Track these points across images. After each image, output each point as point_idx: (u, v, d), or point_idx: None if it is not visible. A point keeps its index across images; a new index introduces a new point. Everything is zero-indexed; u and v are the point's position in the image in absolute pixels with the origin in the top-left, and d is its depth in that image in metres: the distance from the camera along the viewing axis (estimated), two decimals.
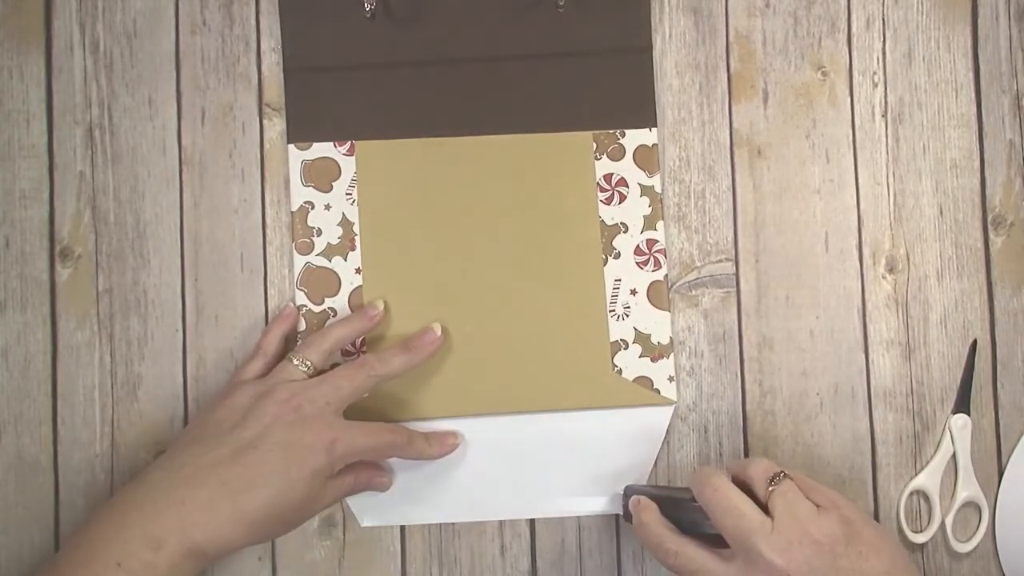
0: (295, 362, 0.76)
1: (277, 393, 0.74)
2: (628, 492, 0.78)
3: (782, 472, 0.71)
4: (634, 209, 0.82)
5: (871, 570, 0.67)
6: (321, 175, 0.82)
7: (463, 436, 0.81)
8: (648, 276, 0.82)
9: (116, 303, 0.82)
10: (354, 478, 0.78)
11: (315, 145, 0.82)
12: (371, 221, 0.82)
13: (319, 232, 0.82)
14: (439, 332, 0.80)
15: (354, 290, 0.81)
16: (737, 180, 0.84)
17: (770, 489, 0.70)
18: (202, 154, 0.83)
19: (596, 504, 0.81)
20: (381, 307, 0.80)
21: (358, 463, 0.77)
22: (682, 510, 0.73)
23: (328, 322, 0.81)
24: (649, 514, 0.73)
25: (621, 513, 0.80)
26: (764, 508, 0.69)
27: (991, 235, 0.83)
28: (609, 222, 0.82)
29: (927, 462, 0.82)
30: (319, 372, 0.77)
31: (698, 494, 0.71)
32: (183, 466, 0.71)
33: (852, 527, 0.68)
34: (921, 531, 0.82)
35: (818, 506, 0.69)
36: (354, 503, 0.81)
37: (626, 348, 0.81)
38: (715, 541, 0.70)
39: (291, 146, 0.82)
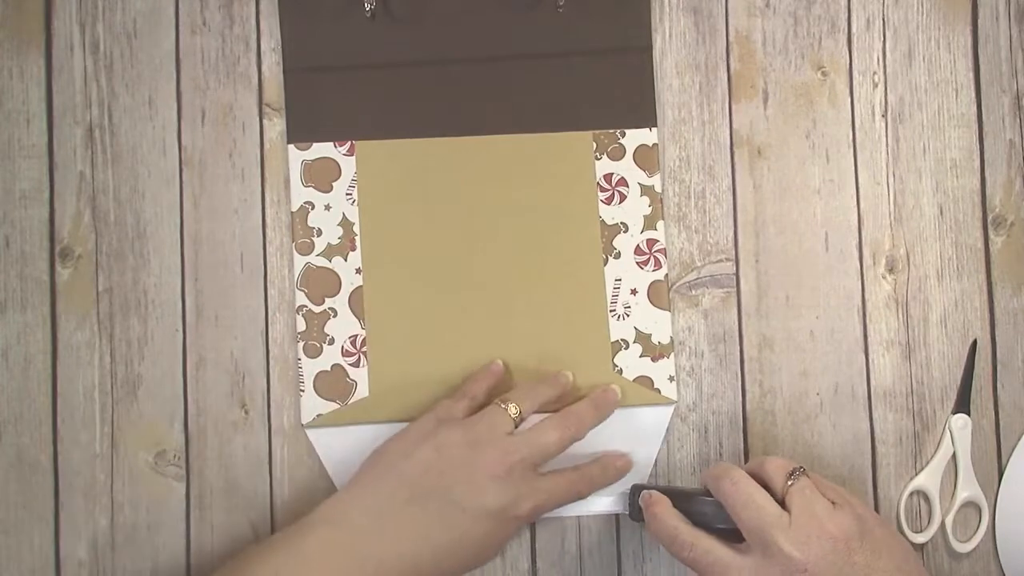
0: (511, 412, 0.76)
1: (488, 450, 0.74)
2: (635, 490, 0.78)
3: (801, 468, 0.71)
4: (634, 209, 0.82)
5: (884, 567, 0.67)
6: (321, 175, 0.82)
7: (629, 456, 0.81)
8: (648, 276, 0.82)
9: (116, 303, 0.82)
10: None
11: (315, 145, 0.82)
12: (371, 221, 0.82)
13: (319, 232, 0.82)
14: (618, 391, 0.81)
15: (354, 290, 0.81)
16: (737, 180, 0.84)
17: (789, 484, 0.70)
18: (202, 154, 0.83)
19: (597, 504, 0.81)
20: (570, 376, 0.81)
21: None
22: (695, 504, 0.73)
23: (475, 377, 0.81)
24: (662, 507, 0.73)
25: (627, 512, 0.80)
26: (780, 504, 0.70)
27: (991, 235, 0.83)
28: (609, 222, 0.82)
29: (927, 462, 0.82)
30: (523, 420, 0.77)
31: (715, 487, 0.72)
32: (383, 514, 0.73)
33: (865, 524, 0.69)
34: (921, 531, 0.82)
35: (833, 503, 0.69)
36: None
37: (626, 348, 0.81)
38: (728, 536, 0.71)
39: (291, 146, 0.82)
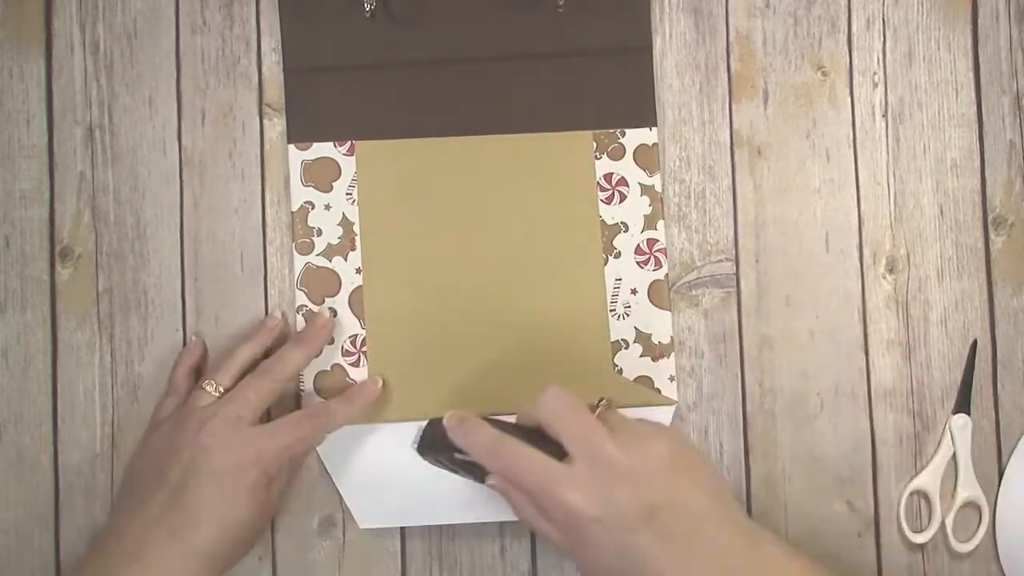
0: (205, 387, 0.76)
1: (188, 425, 0.74)
2: (433, 423, 0.75)
3: (607, 400, 0.72)
4: (634, 208, 0.82)
5: (703, 483, 0.68)
6: (321, 175, 0.82)
7: (382, 381, 0.81)
8: (649, 275, 0.82)
9: (116, 303, 0.82)
10: (287, 467, 0.78)
11: (315, 145, 0.82)
12: (371, 221, 0.82)
13: (319, 232, 0.82)
14: (328, 315, 0.81)
15: (354, 290, 0.81)
16: (737, 180, 0.84)
17: (598, 411, 0.70)
18: (202, 154, 0.83)
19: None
20: (279, 315, 0.82)
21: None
22: (511, 429, 0.72)
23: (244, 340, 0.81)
24: (477, 420, 0.72)
25: (415, 445, 0.76)
26: None
27: (991, 235, 0.83)
28: (609, 221, 0.82)
29: (927, 462, 0.82)
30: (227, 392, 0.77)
31: (539, 403, 0.70)
32: (131, 528, 0.71)
33: (683, 446, 0.70)
34: (921, 531, 0.82)
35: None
36: (354, 505, 0.81)
37: (627, 347, 0.81)
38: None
39: (291, 146, 0.82)
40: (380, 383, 0.80)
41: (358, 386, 0.80)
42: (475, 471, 0.72)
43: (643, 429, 0.69)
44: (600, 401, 0.71)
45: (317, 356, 0.80)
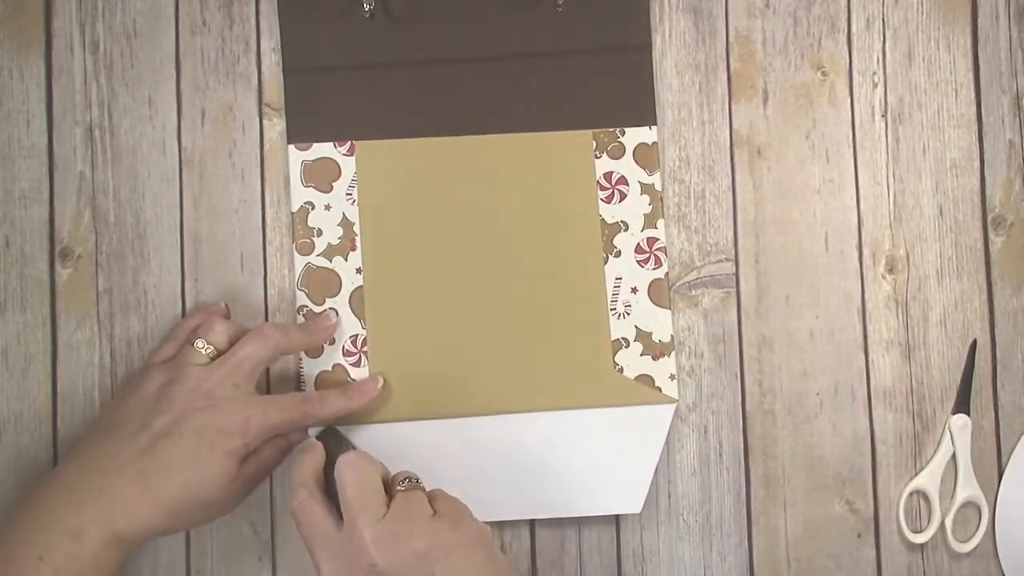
0: (198, 346, 0.76)
1: (185, 380, 0.74)
2: (327, 433, 0.79)
3: (416, 479, 0.72)
4: (634, 207, 0.82)
5: None
6: (321, 175, 0.82)
7: (383, 380, 0.81)
8: (649, 274, 0.82)
9: (116, 303, 0.82)
10: (272, 450, 0.78)
11: (315, 145, 0.82)
12: (371, 221, 0.82)
13: (319, 232, 0.82)
14: (333, 320, 0.81)
15: (355, 290, 0.81)
16: (737, 180, 0.84)
17: (399, 487, 0.71)
18: (202, 154, 0.83)
19: (597, 504, 0.81)
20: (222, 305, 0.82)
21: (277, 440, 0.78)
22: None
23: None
24: (312, 457, 0.74)
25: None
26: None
27: (991, 235, 0.84)
28: (609, 220, 0.82)
29: (927, 462, 0.82)
30: (220, 355, 0.77)
31: (340, 460, 0.72)
32: (99, 457, 0.72)
33: (460, 541, 0.69)
34: (921, 531, 0.82)
35: (435, 512, 0.70)
36: None
37: (627, 346, 0.81)
38: None
39: (291, 147, 0.82)
40: (380, 382, 0.80)
41: (358, 383, 0.80)
42: None
43: (421, 520, 0.69)
44: (408, 479, 0.72)
45: (312, 350, 0.81)
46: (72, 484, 0.71)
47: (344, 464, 0.71)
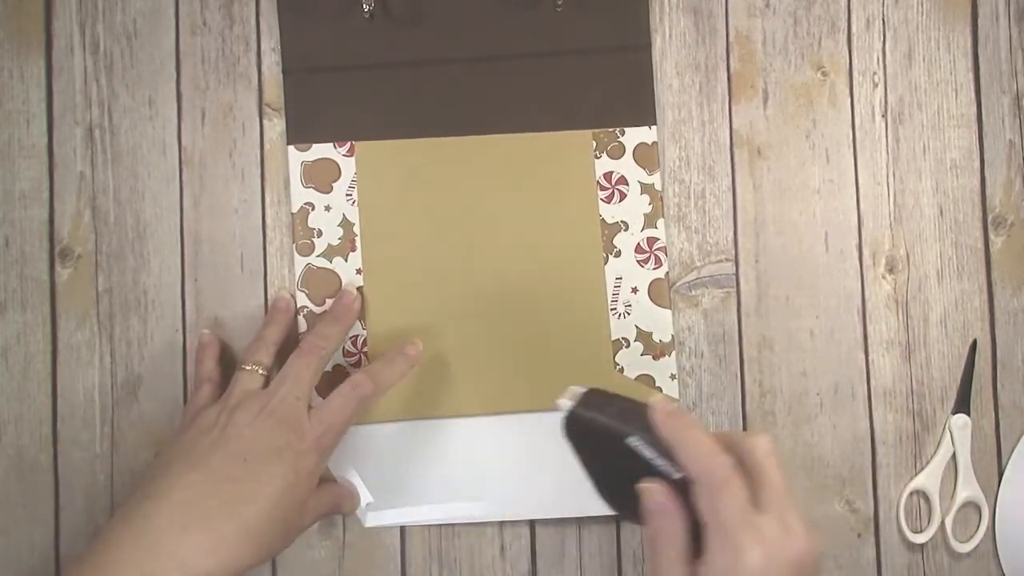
0: (248, 368, 0.75)
1: (248, 407, 0.72)
2: (590, 395, 0.66)
3: None
4: (634, 207, 0.82)
5: None
6: (321, 176, 0.82)
7: (421, 343, 0.80)
8: (649, 274, 0.82)
9: (116, 303, 0.82)
10: (331, 499, 0.77)
11: (315, 146, 0.82)
12: (371, 222, 0.82)
13: (319, 233, 0.82)
14: (352, 289, 0.80)
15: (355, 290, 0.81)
16: (737, 180, 0.84)
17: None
18: (202, 154, 0.83)
19: (597, 504, 0.81)
20: (285, 295, 0.81)
21: (330, 485, 0.78)
22: (631, 447, 0.63)
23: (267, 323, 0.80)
24: (689, 416, 0.65)
25: (563, 419, 0.67)
26: None
27: (991, 235, 0.84)
28: (609, 220, 0.82)
29: (927, 462, 0.82)
30: (270, 371, 0.76)
31: (681, 446, 0.62)
32: (172, 490, 0.68)
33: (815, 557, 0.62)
34: (921, 531, 0.82)
35: None
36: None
37: (628, 346, 0.81)
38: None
39: (291, 147, 0.82)
40: (420, 346, 0.80)
41: (397, 348, 0.79)
42: (617, 472, 0.64)
43: (799, 529, 0.61)
44: None
45: (348, 332, 0.80)
46: (150, 525, 0.67)
47: (701, 457, 0.61)
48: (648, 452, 0.62)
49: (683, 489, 0.62)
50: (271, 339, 0.78)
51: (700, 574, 0.60)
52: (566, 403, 0.66)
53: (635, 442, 0.63)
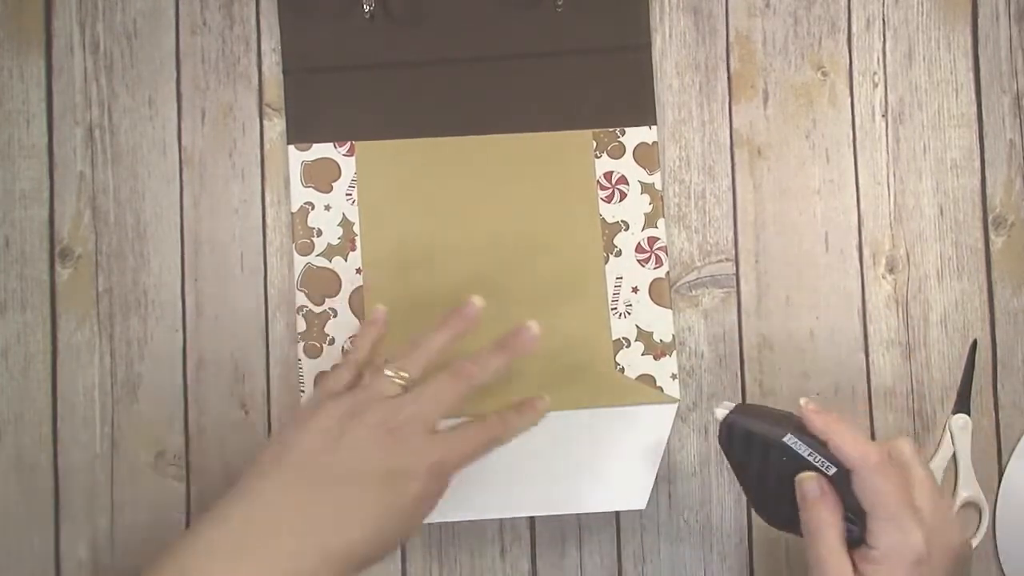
0: (389, 374, 0.70)
1: (369, 415, 0.67)
2: (740, 411, 0.70)
3: None
4: (635, 207, 0.82)
5: None
6: (321, 176, 0.82)
7: (547, 399, 0.76)
8: (649, 274, 0.82)
9: (116, 303, 0.82)
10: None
11: (315, 146, 0.82)
12: (371, 221, 0.82)
13: (319, 233, 0.82)
14: (536, 330, 0.73)
15: (355, 290, 0.81)
16: (737, 180, 0.84)
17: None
18: (202, 154, 0.83)
19: (601, 501, 0.81)
20: (478, 303, 0.74)
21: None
22: (794, 460, 0.67)
23: (363, 326, 0.77)
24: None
25: (721, 426, 0.70)
26: None
27: (991, 235, 0.84)
28: (610, 220, 0.82)
29: (927, 462, 0.82)
30: (411, 384, 0.71)
31: (868, 473, 0.64)
32: (266, 506, 0.65)
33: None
34: None
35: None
36: None
37: (628, 346, 0.81)
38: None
39: (291, 147, 0.82)
40: (547, 400, 0.76)
41: (528, 400, 0.75)
42: (772, 477, 0.68)
43: (953, 523, 0.66)
44: None
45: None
46: (234, 537, 0.63)
47: (890, 487, 0.64)
48: (804, 450, 0.66)
49: (836, 486, 0.66)
50: (432, 349, 0.72)
51: (867, 557, 0.64)
52: (722, 411, 0.70)
53: (791, 440, 0.66)
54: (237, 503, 0.65)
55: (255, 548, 0.63)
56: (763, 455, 0.68)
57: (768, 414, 0.69)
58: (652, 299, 0.82)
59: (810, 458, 0.66)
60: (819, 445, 0.66)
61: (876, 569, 0.64)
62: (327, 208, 0.82)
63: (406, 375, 0.70)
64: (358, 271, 0.82)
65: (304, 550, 0.64)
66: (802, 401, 0.67)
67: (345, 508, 0.65)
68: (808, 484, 0.66)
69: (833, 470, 0.66)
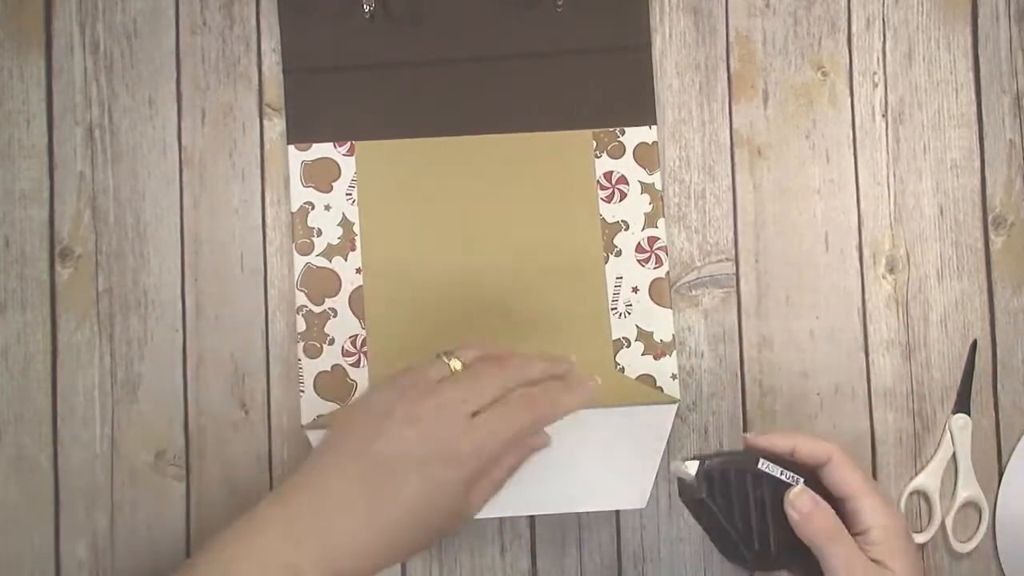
0: (443, 357, 0.71)
1: (413, 391, 0.68)
2: (706, 468, 0.67)
3: None
4: (635, 207, 0.82)
5: None
6: (321, 175, 0.82)
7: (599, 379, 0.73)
8: (650, 273, 0.82)
9: (116, 303, 0.82)
10: (514, 457, 0.71)
11: (315, 146, 0.82)
12: (371, 221, 0.82)
13: (319, 232, 0.82)
14: (599, 383, 0.72)
15: (354, 290, 0.81)
16: (737, 180, 0.84)
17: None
18: (202, 154, 0.83)
19: (598, 503, 0.81)
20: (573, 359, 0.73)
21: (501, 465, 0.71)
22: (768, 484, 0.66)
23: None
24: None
25: (691, 488, 0.67)
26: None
27: (991, 235, 0.84)
28: (610, 220, 0.82)
29: (927, 462, 0.82)
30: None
31: (824, 551, 0.65)
32: (323, 490, 0.66)
33: None
34: (921, 531, 0.82)
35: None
36: None
37: (628, 346, 0.81)
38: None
39: (291, 147, 0.82)
40: (599, 381, 0.72)
41: (578, 379, 0.72)
42: (755, 512, 0.66)
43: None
44: None
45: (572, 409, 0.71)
46: (295, 518, 0.65)
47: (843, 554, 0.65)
48: (776, 471, 0.66)
49: None
50: (489, 349, 0.72)
51: (869, 541, 0.65)
52: (693, 464, 0.67)
53: (764, 466, 0.66)
54: (296, 483, 0.67)
55: (309, 526, 0.65)
56: (745, 492, 0.66)
57: (724, 454, 0.69)
58: (652, 299, 0.82)
59: (783, 477, 0.66)
60: (780, 465, 0.66)
61: (881, 550, 0.65)
62: (327, 208, 0.82)
63: (458, 362, 0.70)
64: (358, 271, 0.82)
65: (355, 530, 0.65)
66: (748, 435, 0.69)
67: (390, 492, 0.65)
68: (803, 499, 0.66)
69: (801, 481, 0.66)
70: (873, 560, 0.64)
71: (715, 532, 0.68)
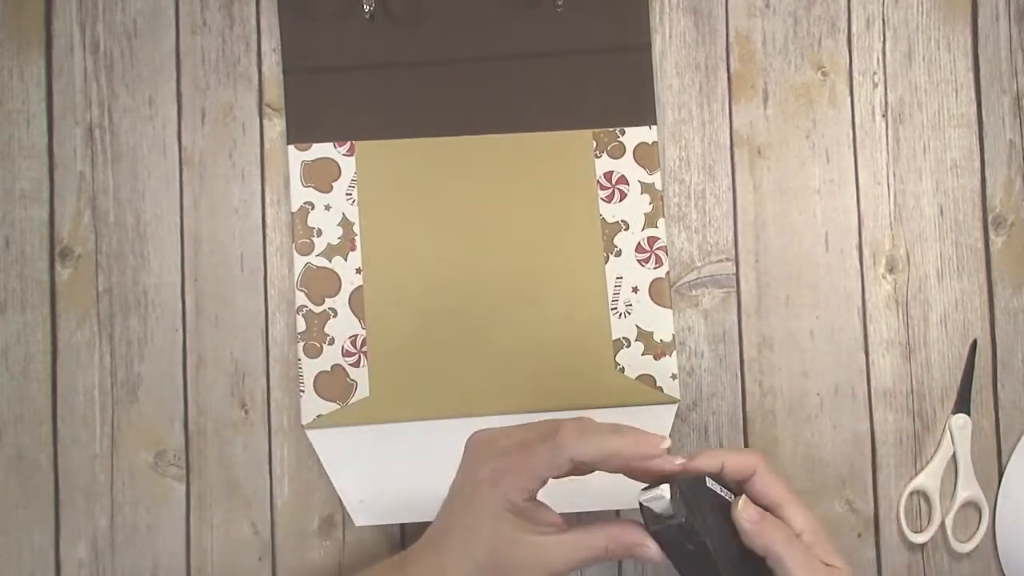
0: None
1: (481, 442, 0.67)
2: (664, 493, 0.62)
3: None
4: (635, 207, 0.82)
5: None
6: (321, 175, 0.82)
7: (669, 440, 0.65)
8: (650, 273, 0.82)
9: (116, 303, 0.82)
10: (600, 538, 0.66)
11: (315, 146, 0.82)
12: (371, 221, 0.82)
13: (319, 232, 0.82)
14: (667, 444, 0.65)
15: (354, 290, 0.81)
16: (737, 180, 0.84)
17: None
18: (202, 154, 0.83)
19: (597, 502, 0.81)
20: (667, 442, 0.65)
21: (613, 524, 0.67)
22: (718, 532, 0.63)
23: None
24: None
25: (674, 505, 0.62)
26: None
27: (991, 235, 0.84)
28: (610, 220, 0.82)
29: (927, 462, 0.82)
30: None
31: (774, 550, 0.62)
32: (438, 521, 0.68)
33: None
34: (921, 531, 0.82)
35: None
36: (350, 502, 0.81)
37: (628, 346, 0.81)
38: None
39: (291, 147, 0.82)
40: (668, 441, 0.64)
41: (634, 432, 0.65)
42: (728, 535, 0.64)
43: None
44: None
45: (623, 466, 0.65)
46: (420, 544, 0.68)
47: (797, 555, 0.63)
48: (718, 487, 0.64)
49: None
50: (542, 467, 0.66)
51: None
52: (667, 488, 0.62)
53: (711, 484, 0.64)
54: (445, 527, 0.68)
55: (421, 558, 0.67)
56: (711, 512, 0.63)
57: (673, 478, 0.63)
58: (652, 299, 0.82)
59: (724, 494, 0.64)
60: (717, 482, 0.64)
61: (818, 552, 0.64)
62: (327, 208, 0.82)
63: None
64: (358, 271, 0.82)
65: (449, 569, 0.65)
66: (676, 458, 0.63)
67: (467, 535, 0.65)
68: (750, 509, 0.63)
69: (732, 496, 0.64)
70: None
71: (690, 563, 0.64)
